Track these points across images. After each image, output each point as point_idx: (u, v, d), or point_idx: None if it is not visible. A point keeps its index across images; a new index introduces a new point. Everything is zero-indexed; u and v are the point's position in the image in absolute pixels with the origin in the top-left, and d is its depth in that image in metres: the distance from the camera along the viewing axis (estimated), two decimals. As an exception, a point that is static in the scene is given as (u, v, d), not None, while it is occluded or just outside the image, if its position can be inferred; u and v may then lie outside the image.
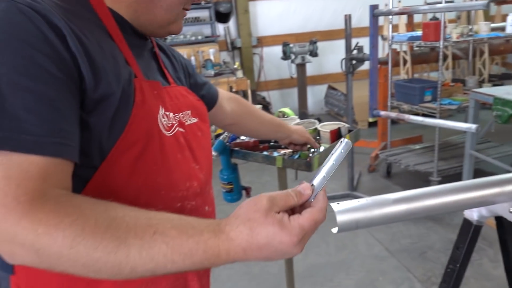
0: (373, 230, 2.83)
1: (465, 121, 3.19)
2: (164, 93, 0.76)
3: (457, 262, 1.22)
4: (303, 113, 4.84)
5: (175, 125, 0.75)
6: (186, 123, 0.80)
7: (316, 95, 5.85)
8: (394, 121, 3.87)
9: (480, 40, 3.65)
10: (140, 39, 0.78)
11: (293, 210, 0.59)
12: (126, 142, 0.64)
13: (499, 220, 1.20)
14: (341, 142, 0.62)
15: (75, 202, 0.54)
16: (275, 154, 1.62)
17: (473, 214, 1.18)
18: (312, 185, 0.61)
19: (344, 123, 1.75)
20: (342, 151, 0.61)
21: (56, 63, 0.56)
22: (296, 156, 1.63)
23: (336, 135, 1.69)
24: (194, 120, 0.84)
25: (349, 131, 1.74)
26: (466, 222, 1.20)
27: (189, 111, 0.82)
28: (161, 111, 0.72)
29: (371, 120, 4.61)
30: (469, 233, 1.19)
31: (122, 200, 0.62)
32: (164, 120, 0.72)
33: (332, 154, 0.62)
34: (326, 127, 1.76)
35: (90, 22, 0.66)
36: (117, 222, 0.53)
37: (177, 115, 0.78)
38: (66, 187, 0.57)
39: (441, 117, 3.17)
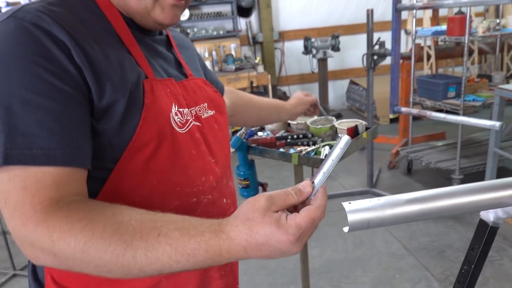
0: (392, 228, 2.81)
1: (490, 118, 3.11)
2: (179, 88, 0.77)
3: (472, 263, 1.20)
4: (324, 108, 4.81)
5: (190, 120, 0.76)
6: (203, 117, 0.81)
7: (337, 90, 5.80)
8: (416, 117, 3.81)
9: (508, 35, 3.55)
10: (153, 35, 0.79)
11: (296, 208, 0.60)
12: (137, 144, 0.66)
13: (517, 221, 1.18)
14: (340, 138, 0.62)
15: (85, 207, 0.57)
16: (292, 151, 1.63)
17: (489, 215, 1.16)
18: (313, 182, 0.62)
19: (361, 121, 1.75)
20: (341, 147, 0.61)
21: (62, 78, 0.59)
22: (313, 154, 1.64)
23: (353, 133, 1.69)
24: (211, 112, 0.84)
25: (367, 128, 1.74)
26: (482, 223, 1.19)
27: (205, 104, 0.83)
28: (174, 109, 0.73)
29: (391, 116, 4.54)
30: (485, 234, 1.18)
31: (138, 197, 0.67)
32: (178, 118, 0.73)
33: (332, 151, 0.62)
34: (343, 125, 1.76)
35: (98, 28, 0.68)
36: (124, 226, 0.56)
37: (193, 109, 0.79)
38: (80, 193, 0.61)
39: (465, 114, 3.10)
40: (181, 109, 0.74)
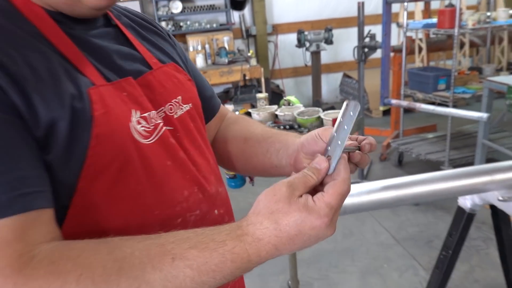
0: (381, 218, 2.84)
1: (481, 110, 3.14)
2: (140, 87, 0.63)
3: (450, 249, 1.24)
4: (317, 101, 4.83)
5: (160, 125, 0.63)
6: (176, 116, 0.67)
7: (331, 83, 5.81)
8: (408, 110, 3.83)
9: (498, 27, 3.57)
10: (95, 27, 0.64)
11: (315, 190, 0.54)
12: (93, 171, 0.54)
13: (494, 208, 1.21)
14: (347, 104, 0.56)
15: (71, 253, 0.47)
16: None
17: (466, 202, 1.20)
18: (328, 156, 0.56)
19: (347, 111, 1.77)
20: (351, 113, 0.55)
21: None
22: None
23: (339, 123, 1.71)
24: (187, 107, 0.70)
25: (352, 119, 1.76)
26: (460, 210, 1.22)
27: (179, 97, 0.69)
28: (135, 116, 0.59)
29: (382, 108, 4.57)
30: (462, 220, 1.21)
31: (112, 232, 0.55)
32: (141, 126, 0.60)
33: (341, 120, 0.56)
34: (329, 116, 1.78)
35: (18, 34, 0.54)
36: (128, 261, 0.47)
37: (161, 110, 0.65)
38: (53, 236, 0.50)
39: (456, 106, 3.13)
40: (145, 114, 0.61)
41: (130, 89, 0.61)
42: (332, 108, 5.02)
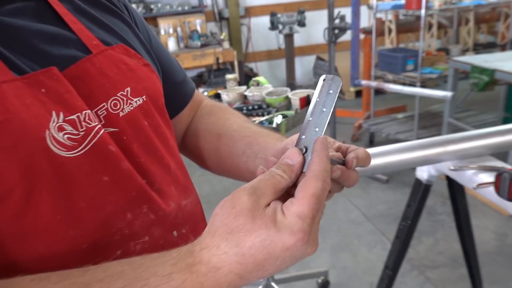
0: (352, 197, 2.91)
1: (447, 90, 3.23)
2: (69, 79, 0.48)
3: (408, 219, 1.29)
4: (291, 84, 4.85)
5: (95, 128, 0.48)
6: (122, 114, 0.52)
7: (305, 66, 5.84)
8: (379, 92, 3.90)
9: (465, 8, 3.65)
10: (8, 2, 0.49)
11: (288, 192, 0.42)
12: None
13: (449, 179, 1.27)
14: (324, 80, 0.45)
15: None
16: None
17: (423, 174, 1.25)
18: (303, 148, 0.44)
19: (313, 91, 1.80)
20: (331, 91, 0.44)
21: None
22: (266, 123, 1.68)
23: (305, 102, 1.74)
24: (138, 101, 0.55)
25: (319, 98, 1.79)
26: (417, 182, 1.27)
27: (127, 89, 0.54)
28: (56, 121, 0.45)
29: (353, 89, 4.64)
30: (420, 191, 1.26)
31: (24, 266, 0.43)
32: (65, 134, 0.45)
33: (318, 99, 0.45)
34: (297, 95, 1.80)
35: None
36: None
37: (102, 107, 0.51)
38: None
39: (426, 86, 3.21)
40: (72, 117, 0.46)
41: (51, 84, 0.46)
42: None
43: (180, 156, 0.63)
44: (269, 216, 0.38)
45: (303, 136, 0.45)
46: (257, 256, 0.38)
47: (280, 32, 4.87)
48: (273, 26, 4.79)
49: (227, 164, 0.67)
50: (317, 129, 0.43)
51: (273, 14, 4.74)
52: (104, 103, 0.51)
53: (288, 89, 1.89)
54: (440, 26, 4.19)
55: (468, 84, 2.97)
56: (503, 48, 4.08)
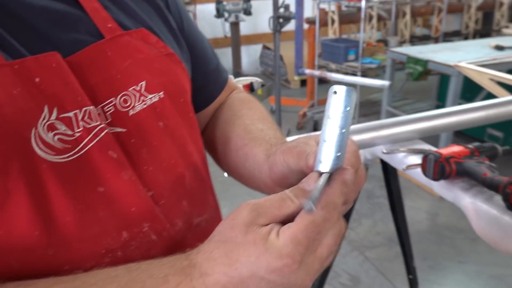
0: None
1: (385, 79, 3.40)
2: (73, 67, 0.41)
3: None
4: (237, 73, 4.86)
5: (96, 129, 0.41)
6: (132, 112, 0.45)
7: (251, 55, 5.86)
8: (324, 81, 4.02)
9: (403, 2, 3.84)
10: None
11: None
12: None
13: (383, 162, 1.34)
14: (336, 93, 0.36)
15: None
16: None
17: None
18: (322, 173, 0.39)
19: (257, 78, 1.82)
20: (348, 108, 0.36)
21: None
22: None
23: (249, 89, 1.75)
24: (153, 98, 0.47)
25: (262, 85, 1.81)
26: (354, 165, 1.33)
27: (142, 83, 0.46)
28: (45, 119, 0.38)
29: (297, 78, 4.73)
30: (356, 175, 1.32)
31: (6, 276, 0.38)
32: (55, 134, 0.39)
33: (331, 117, 0.37)
34: (240, 82, 1.81)
35: None
36: None
37: (110, 103, 0.43)
38: None
39: (366, 76, 3.34)
40: (68, 114, 0.39)
41: (48, 73, 0.39)
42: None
43: (201, 163, 0.55)
44: (261, 234, 0.36)
45: (321, 160, 0.39)
46: (241, 270, 0.35)
47: (226, 20, 4.84)
48: (219, 14, 4.76)
49: (239, 172, 0.58)
50: (339, 153, 0.39)
51: (218, 2, 4.70)
52: (113, 98, 0.44)
53: (232, 76, 1.90)
54: (380, 18, 4.37)
55: (404, 74, 3.15)
56: (436, 40, 4.34)
